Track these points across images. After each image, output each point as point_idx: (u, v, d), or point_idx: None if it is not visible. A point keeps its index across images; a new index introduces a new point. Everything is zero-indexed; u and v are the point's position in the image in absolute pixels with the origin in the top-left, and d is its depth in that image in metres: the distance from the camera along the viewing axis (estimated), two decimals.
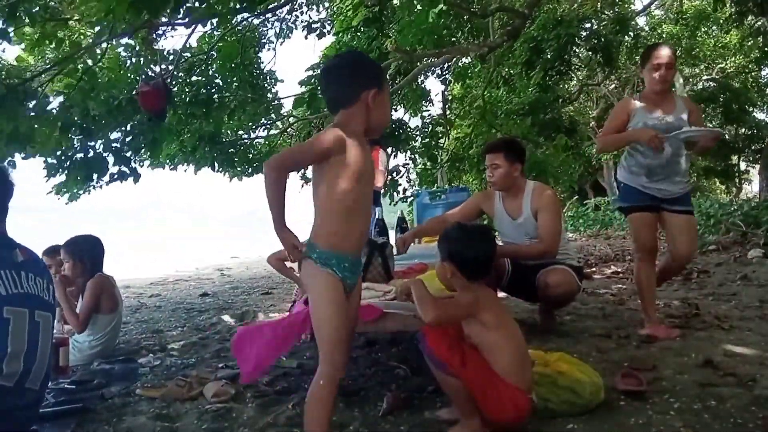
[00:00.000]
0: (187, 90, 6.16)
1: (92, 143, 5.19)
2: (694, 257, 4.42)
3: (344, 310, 1.71)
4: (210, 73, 6.57)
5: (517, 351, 1.84)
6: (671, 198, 3.11)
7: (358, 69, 1.81)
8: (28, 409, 1.83)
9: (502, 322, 1.86)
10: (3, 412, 1.74)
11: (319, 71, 7.32)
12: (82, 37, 4.81)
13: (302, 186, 10.64)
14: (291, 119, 9.03)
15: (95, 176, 5.32)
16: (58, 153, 5.06)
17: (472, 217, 3.45)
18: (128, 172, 5.45)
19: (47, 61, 4.69)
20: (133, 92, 4.80)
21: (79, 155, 5.17)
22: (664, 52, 3.06)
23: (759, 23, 10.50)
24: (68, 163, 5.15)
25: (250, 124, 7.85)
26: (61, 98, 4.84)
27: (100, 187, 5.66)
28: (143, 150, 5.59)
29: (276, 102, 7.62)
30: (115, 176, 5.41)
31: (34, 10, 3.78)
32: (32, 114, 4.50)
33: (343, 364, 1.73)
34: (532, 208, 3.17)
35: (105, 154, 5.32)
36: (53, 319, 1.95)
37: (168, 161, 7.81)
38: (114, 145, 5.32)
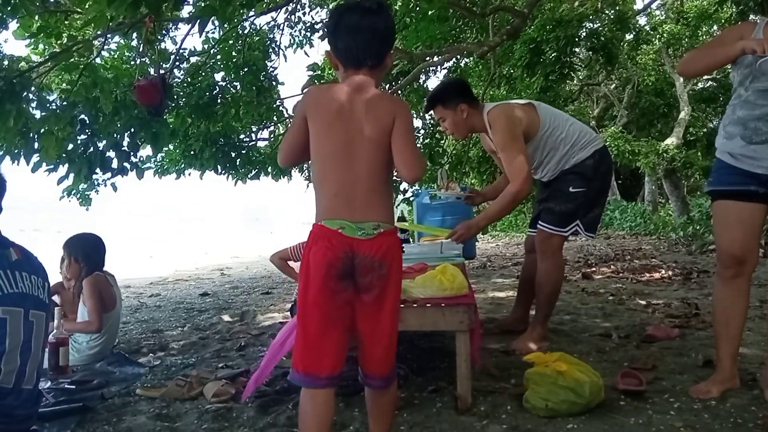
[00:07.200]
0: (189, 90, 6.13)
1: (94, 139, 5.17)
2: None
3: None
4: (212, 75, 6.53)
5: None
6: None
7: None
8: (25, 408, 1.84)
9: None
10: (3, 412, 1.75)
11: (319, 72, 7.31)
12: (82, 30, 4.76)
13: (307, 186, 10.59)
14: (290, 121, 8.99)
15: (98, 170, 5.30)
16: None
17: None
18: (128, 166, 5.43)
19: (46, 55, 4.62)
20: (131, 87, 4.79)
21: (80, 150, 5.15)
22: None
23: None
24: (67, 162, 5.14)
25: (253, 126, 7.81)
26: (59, 98, 4.81)
27: (105, 184, 5.67)
28: (143, 144, 5.56)
29: (279, 103, 7.59)
30: (116, 171, 5.40)
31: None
32: (34, 111, 4.47)
33: None
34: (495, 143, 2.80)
35: (106, 151, 5.30)
36: (47, 317, 1.95)
37: (173, 167, 7.78)
38: (114, 138, 5.29)
